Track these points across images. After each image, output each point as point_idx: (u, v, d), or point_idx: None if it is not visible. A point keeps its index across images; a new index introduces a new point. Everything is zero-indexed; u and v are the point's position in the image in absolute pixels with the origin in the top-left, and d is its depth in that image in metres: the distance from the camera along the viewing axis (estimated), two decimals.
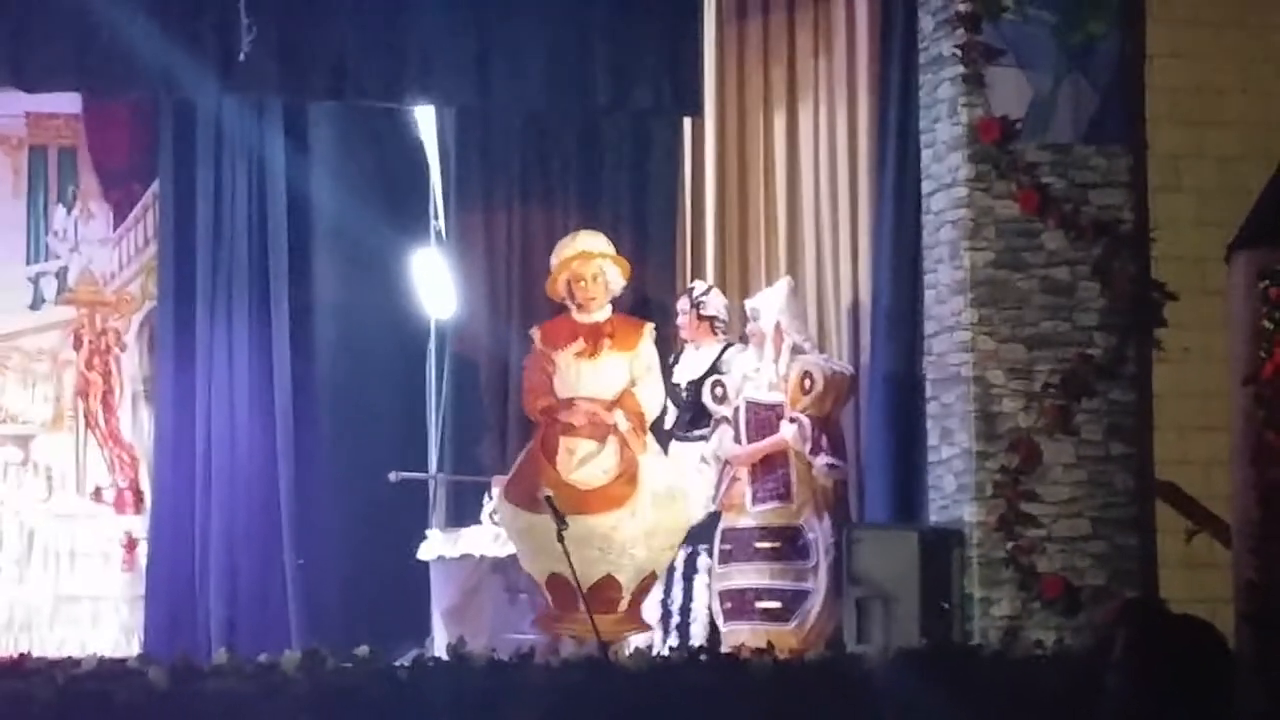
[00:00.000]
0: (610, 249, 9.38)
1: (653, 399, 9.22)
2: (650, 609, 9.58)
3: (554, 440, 9.10)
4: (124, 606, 11.08)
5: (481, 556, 9.65)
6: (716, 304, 9.88)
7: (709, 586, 9.50)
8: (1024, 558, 8.64)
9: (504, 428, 10.60)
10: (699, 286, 10.08)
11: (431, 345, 10.80)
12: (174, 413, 10.87)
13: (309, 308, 10.87)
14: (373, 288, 10.80)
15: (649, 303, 10.31)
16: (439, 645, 9.32)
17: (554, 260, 9.36)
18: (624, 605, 8.98)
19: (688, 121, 10.80)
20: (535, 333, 9.37)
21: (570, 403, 9.14)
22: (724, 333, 9.90)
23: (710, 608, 9.47)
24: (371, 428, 10.75)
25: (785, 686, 7.58)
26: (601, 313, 9.29)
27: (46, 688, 6.72)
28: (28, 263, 11.26)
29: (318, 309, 10.88)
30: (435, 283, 10.73)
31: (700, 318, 9.86)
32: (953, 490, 8.81)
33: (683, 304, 10.00)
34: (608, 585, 8.88)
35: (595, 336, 9.20)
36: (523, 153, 10.79)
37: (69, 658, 7.31)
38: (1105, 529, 8.74)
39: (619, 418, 9.06)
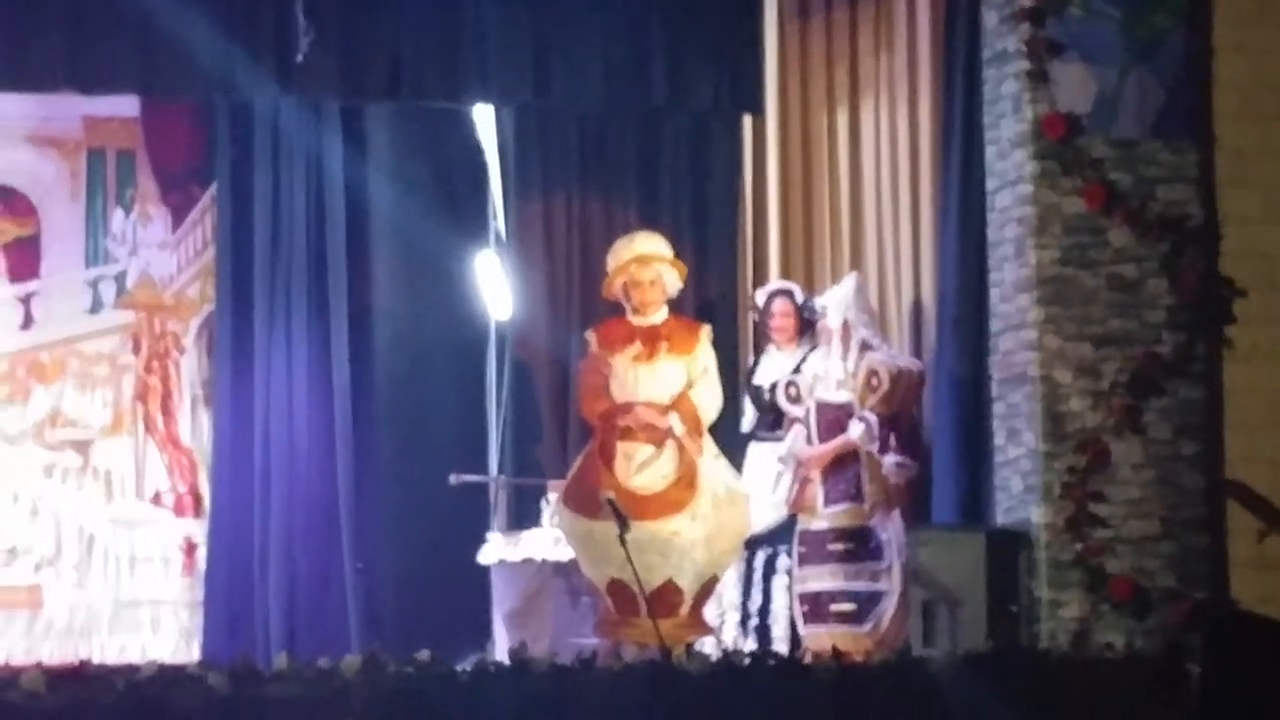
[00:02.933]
0: (669, 252, 9.30)
1: (710, 402, 9.15)
2: (730, 612, 9.54)
3: (612, 445, 9.04)
4: (183, 611, 11.07)
5: (543, 560, 9.61)
6: (811, 307, 9.80)
7: (789, 588, 9.45)
8: (1092, 559, 8.55)
9: (564, 430, 10.55)
10: (797, 289, 9.97)
11: (491, 347, 10.77)
12: (232, 416, 10.86)
13: (367, 310, 10.85)
14: (431, 290, 10.78)
15: (710, 303, 10.24)
16: (500, 650, 9.29)
17: (611, 262, 9.29)
18: (685, 609, 8.92)
19: (749, 120, 10.75)
20: (591, 336, 9.31)
21: (628, 407, 9.08)
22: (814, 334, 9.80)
23: (790, 610, 9.42)
24: (431, 431, 10.72)
25: (850, 690, 7.52)
26: (658, 315, 9.22)
27: (107, 694, 6.71)
28: (86, 266, 11.26)
29: (376, 311, 10.86)
30: (494, 285, 10.70)
31: (802, 323, 9.80)
32: (1020, 491, 8.73)
33: (783, 305, 9.88)
34: (669, 590, 8.82)
35: (652, 340, 9.14)
36: (582, 153, 10.75)
37: (129, 664, 7.30)
38: (1175, 529, 8.64)
39: (674, 421, 9.00)
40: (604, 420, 9.08)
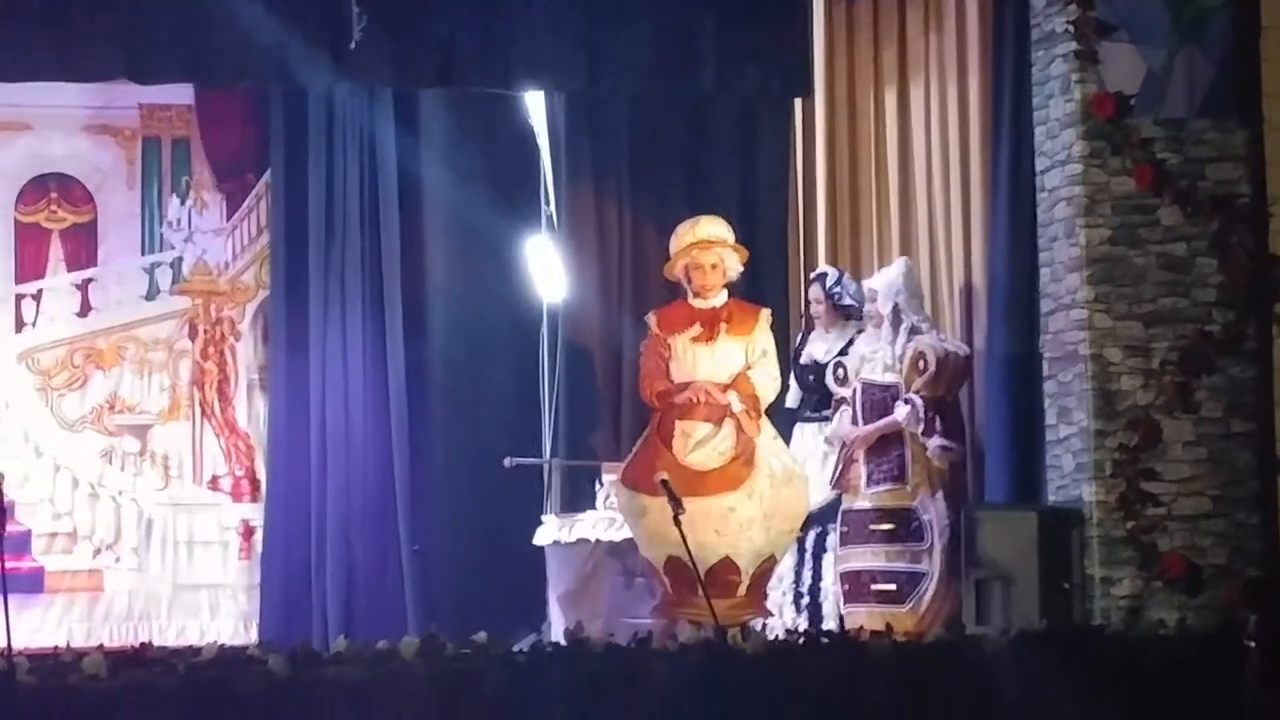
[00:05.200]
0: (730, 236, 9.30)
1: (768, 383, 9.16)
2: (784, 590, 9.57)
3: (670, 424, 9.06)
4: (241, 595, 11.16)
5: (597, 541, 9.66)
6: (850, 291, 9.82)
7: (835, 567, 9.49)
8: (1144, 537, 8.55)
9: (617, 412, 10.60)
10: (831, 274, 9.99)
11: (544, 330, 10.82)
12: (288, 401, 10.94)
13: (421, 295, 10.91)
14: (485, 274, 10.84)
15: (760, 285, 10.26)
16: (555, 631, 9.34)
17: (674, 244, 9.28)
18: (743, 589, 8.92)
19: (798, 102, 10.76)
20: (651, 318, 9.33)
21: (688, 384, 9.09)
22: (858, 318, 9.81)
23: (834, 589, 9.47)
24: (485, 413, 10.78)
25: (904, 668, 7.53)
26: (719, 298, 9.24)
27: (168, 676, 6.76)
28: (143, 253, 11.35)
29: (430, 296, 10.92)
30: (547, 268, 10.75)
31: (835, 307, 9.83)
32: (1071, 469, 8.74)
33: (815, 292, 9.94)
34: (726, 568, 8.84)
35: (712, 322, 9.15)
36: (632, 137, 10.78)
37: (189, 646, 7.35)
38: (1226, 507, 8.63)
39: (733, 399, 9.02)
40: (662, 400, 9.11)
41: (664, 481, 8.21)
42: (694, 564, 8.18)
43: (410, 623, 10.28)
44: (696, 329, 9.14)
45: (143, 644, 7.23)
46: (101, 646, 7.51)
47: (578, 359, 10.73)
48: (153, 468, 11.21)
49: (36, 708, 6.53)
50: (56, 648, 7.65)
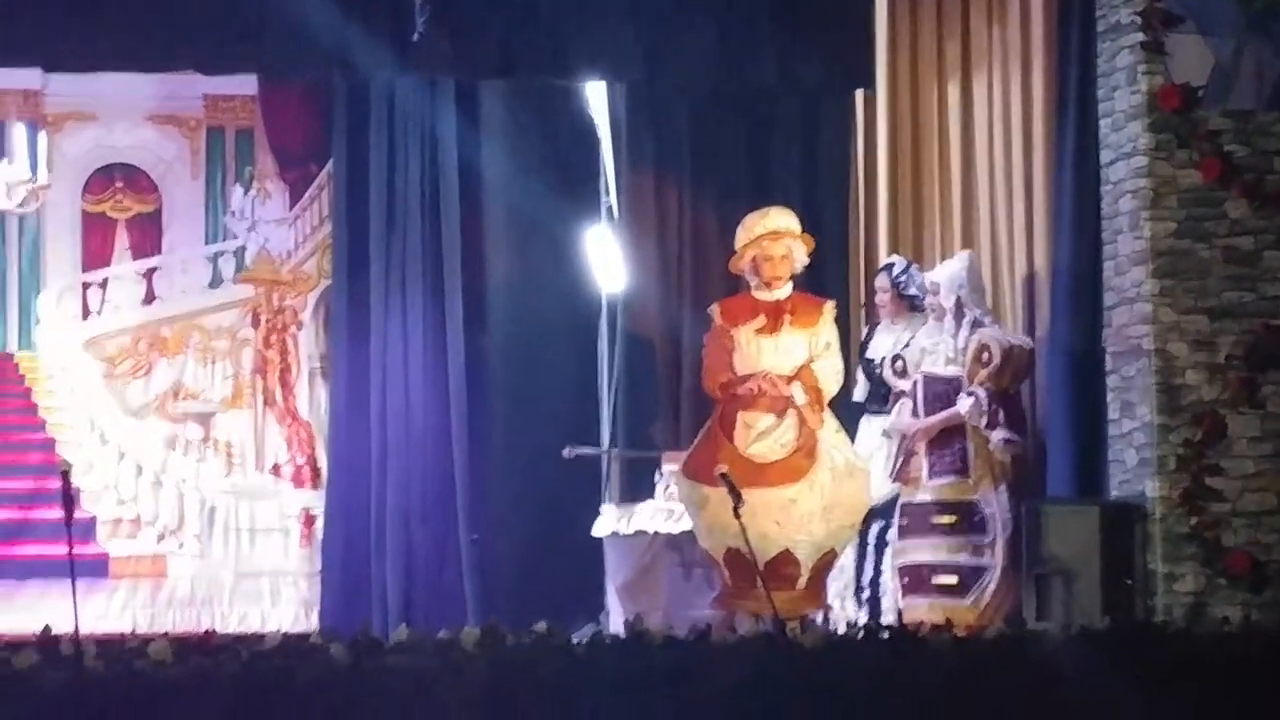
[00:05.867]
0: (798, 227, 9.25)
1: (831, 375, 9.12)
2: (844, 583, 9.54)
3: (732, 416, 9.03)
4: (302, 581, 11.22)
5: (655, 533, 9.65)
6: (917, 282, 9.78)
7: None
8: (1208, 533, 8.50)
9: (677, 403, 10.59)
10: (897, 264, 9.95)
11: (603, 321, 10.82)
12: (349, 389, 10.98)
13: (482, 284, 10.93)
14: (545, 264, 10.86)
15: (821, 277, 10.23)
16: (614, 621, 9.35)
17: (741, 236, 9.21)
18: (803, 582, 8.90)
19: (860, 94, 10.72)
20: (715, 310, 9.30)
21: (749, 377, 9.06)
22: (922, 309, 9.76)
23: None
24: (544, 403, 10.80)
25: (964, 664, 7.48)
26: (784, 290, 9.20)
27: (231, 663, 6.78)
28: (206, 242, 11.42)
29: (490, 285, 10.94)
30: (606, 259, 10.75)
31: (899, 297, 9.79)
32: (1134, 464, 8.69)
33: (881, 281, 9.90)
34: (785, 561, 8.81)
35: (776, 313, 9.11)
36: (693, 127, 10.77)
37: (253, 634, 7.38)
38: None
39: (796, 391, 8.99)
40: (725, 391, 9.09)
41: (724, 474, 8.20)
42: (752, 553, 8.17)
43: (469, 611, 10.31)
44: (760, 320, 9.10)
45: (207, 632, 7.26)
46: (167, 634, 7.54)
47: (637, 349, 10.72)
48: (215, 455, 11.29)
49: (102, 693, 6.56)
50: (123, 634, 7.70)
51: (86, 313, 11.32)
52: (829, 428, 9.05)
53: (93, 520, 11.03)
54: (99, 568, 10.99)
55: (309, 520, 11.26)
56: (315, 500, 11.22)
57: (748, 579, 8.60)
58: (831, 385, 9.11)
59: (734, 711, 7.04)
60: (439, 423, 10.85)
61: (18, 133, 10.28)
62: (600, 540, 10.01)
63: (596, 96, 10.82)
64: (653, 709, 7.03)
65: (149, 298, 11.38)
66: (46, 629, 6.29)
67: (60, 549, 9.78)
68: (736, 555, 8.61)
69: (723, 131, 10.76)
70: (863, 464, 9.16)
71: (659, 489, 9.93)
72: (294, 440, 11.34)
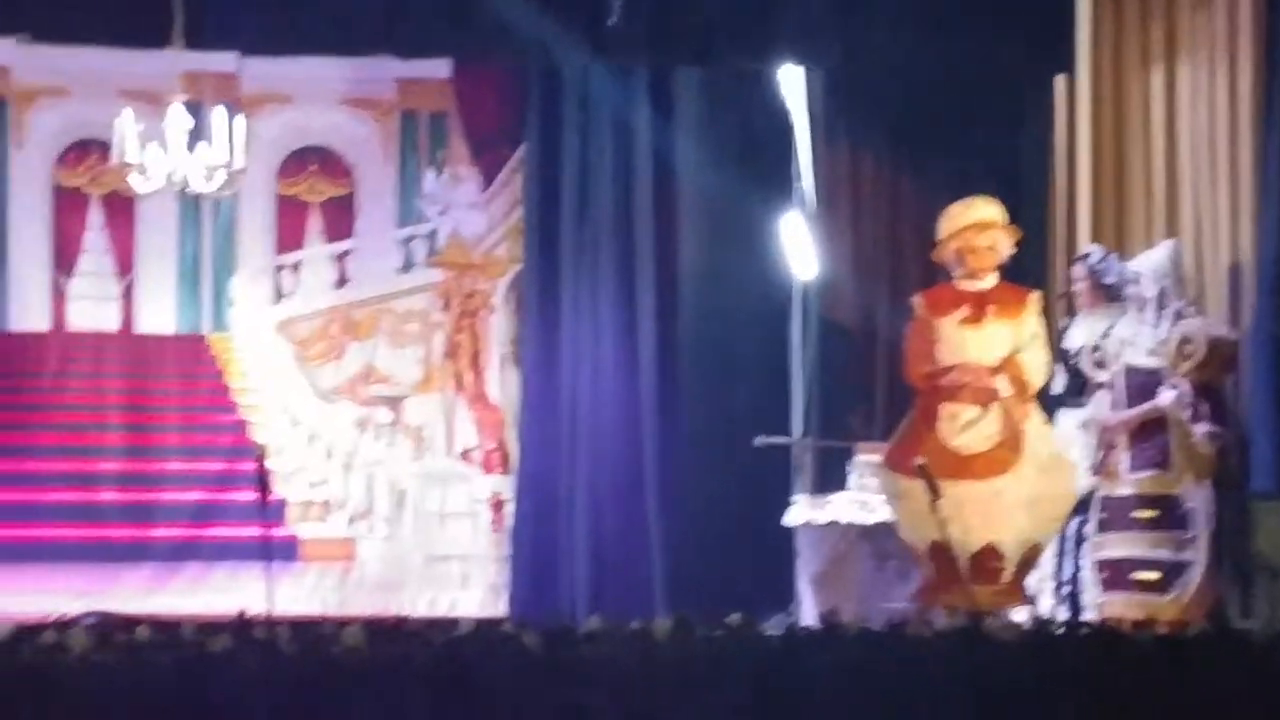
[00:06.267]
0: (1004, 217, 9.10)
1: (1037, 367, 8.96)
2: (1043, 578, 9.40)
3: (934, 407, 8.91)
4: (491, 566, 11.24)
5: (849, 523, 9.56)
6: (1115, 271, 9.60)
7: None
8: None
9: (872, 392, 10.49)
10: (1095, 253, 9.77)
11: (796, 309, 10.73)
12: (540, 374, 10.98)
13: (673, 270, 10.89)
14: (737, 251, 10.80)
15: (1022, 266, 10.07)
16: (805, 612, 9.27)
17: (945, 226, 9.08)
18: (1007, 576, 8.76)
19: (1062, 81, 10.55)
20: (918, 299, 9.18)
21: (953, 368, 8.94)
22: (1120, 300, 9.58)
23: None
24: (735, 391, 10.75)
25: (1165, 661, 7.33)
26: (988, 281, 9.06)
27: (423, 650, 6.79)
28: (398, 226, 11.47)
29: (681, 272, 10.90)
30: (800, 246, 10.66)
31: (1097, 287, 9.61)
32: None
33: (1078, 270, 9.73)
34: (989, 555, 8.67)
35: (980, 304, 8.98)
36: (891, 112, 10.65)
37: (446, 619, 7.39)
38: None
39: (1001, 383, 8.85)
40: (928, 382, 8.97)
41: (921, 466, 8.08)
42: (951, 545, 8.06)
43: (657, 599, 10.27)
44: (964, 311, 8.97)
45: (400, 617, 7.28)
46: (362, 620, 7.57)
47: (832, 337, 10.64)
48: (405, 439, 11.33)
49: (294, 676, 6.60)
50: (316, 617, 7.74)
51: (279, 295, 11.41)
52: (1035, 420, 8.90)
53: (283, 503, 11.12)
54: (289, 550, 11.08)
55: (498, 505, 11.28)
56: (504, 485, 11.24)
57: (952, 573, 8.48)
58: (1038, 377, 8.96)
59: (931, 706, 6.95)
60: (629, 410, 10.83)
61: (216, 116, 10.36)
62: (790, 530, 9.93)
63: (790, 82, 10.72)
64: (848, 702, 6.96)
65: (341, 281, 11.46)
66: (241, 613, 6.31)
67: (251, 531, 9.89)
68: (941, 548, 8.49)
69: (923, 118, 10.63)
70: (1069, 458, 9.00)
71: (852, 479, 9.83)
72: (484, 425, 11.36)
